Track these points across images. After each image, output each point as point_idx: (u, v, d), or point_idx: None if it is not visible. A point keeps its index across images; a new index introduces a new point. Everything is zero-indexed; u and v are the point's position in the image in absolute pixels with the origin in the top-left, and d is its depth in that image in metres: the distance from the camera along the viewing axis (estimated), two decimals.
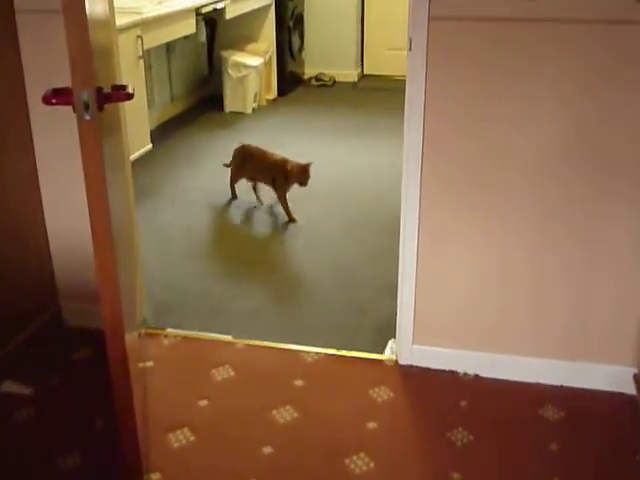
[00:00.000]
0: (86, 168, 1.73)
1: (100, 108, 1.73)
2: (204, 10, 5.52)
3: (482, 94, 2.49)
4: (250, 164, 4.40)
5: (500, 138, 2.53)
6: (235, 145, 4.51)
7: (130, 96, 1.81)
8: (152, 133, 5.34)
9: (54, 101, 1.76)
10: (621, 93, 2.38)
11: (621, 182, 2.49)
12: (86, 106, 1.68)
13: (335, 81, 7.29)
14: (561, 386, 2.75)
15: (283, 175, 4.20)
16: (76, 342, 3.00)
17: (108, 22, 2.66)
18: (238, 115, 6.26)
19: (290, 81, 6.97)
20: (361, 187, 4.71)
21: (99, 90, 1.71)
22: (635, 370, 2.68)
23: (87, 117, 1.69)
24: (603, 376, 2.71)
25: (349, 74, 7.36)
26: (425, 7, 2.44)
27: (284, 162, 4.25)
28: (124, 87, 1.87)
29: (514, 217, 2.62)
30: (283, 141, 5.62)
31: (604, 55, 2.36)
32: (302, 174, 4.18)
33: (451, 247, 2.71)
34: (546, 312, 2.71)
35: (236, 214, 4.34)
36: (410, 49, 2.51)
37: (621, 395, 2.69)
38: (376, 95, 6.82)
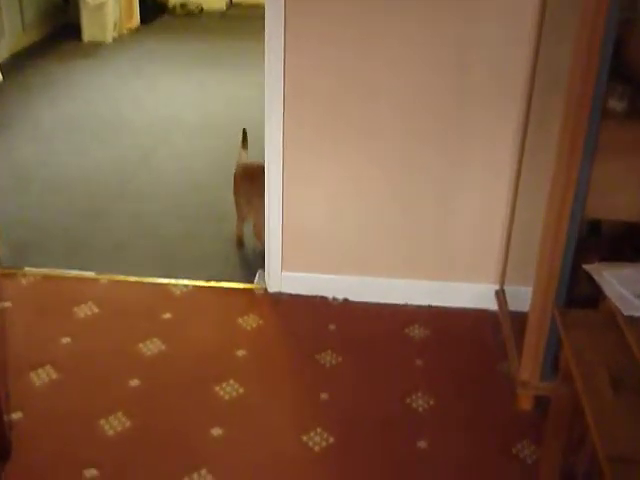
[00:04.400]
0: None
1: None
2: None
3: (339, 30, 2.55)
4: None
5: (359, 73, 2.61)
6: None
7: None
8: (2, 65, 5.12)
9: None
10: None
11: (478, 114, 2.63)
12: None
13: (203, 9, 7.16)
14: (428, 306, 2.92)
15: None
16: None
17: None
18: (97, 45, 6.07)
19: (153, 9, 6.80)
20: (231, 118, 4.70)
21: None
22: (497, 287, 2.88)
23: None
24: (467, 294, 2.90)
25: (217, 2, 7.24)
26: None
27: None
28: None
29: (375, 148, 2.73)
30: (148, 72, 5.53)
31: None
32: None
33: (317, 174, 2.79)
34: (413, 235, 2.85)
35: (98, 150, 4.25)
36: None
37: (484, 311, 2.89)
38: (246, 24, 6.73)
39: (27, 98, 4.92)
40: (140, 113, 4.74)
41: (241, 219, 3.28)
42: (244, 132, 3.36)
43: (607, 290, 1.81)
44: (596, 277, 1.87)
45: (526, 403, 2.40)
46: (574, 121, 2.04)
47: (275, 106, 2.67)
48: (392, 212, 2.83)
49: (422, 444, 2.27)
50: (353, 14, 2.53)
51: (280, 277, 2.94)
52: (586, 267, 1.92)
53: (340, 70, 2.61)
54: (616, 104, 2.13)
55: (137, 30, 6.49)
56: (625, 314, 1.73)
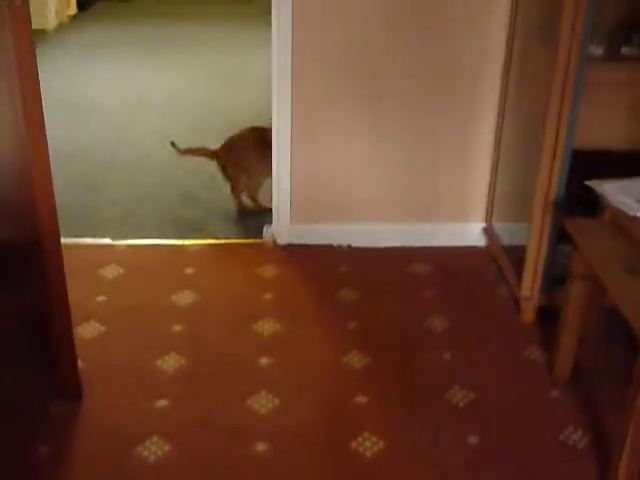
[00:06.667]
0: (20, 56, 1.92)
1: None
2: None
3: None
4: None
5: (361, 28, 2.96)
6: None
7: None
8: None
9: None
10: None
11: (460, 61, 3.03)
12: None
13: None
14: (424, 247, 3.29)
15: None
16: None
17: None
18: (41, 32, 6.15)
19: None
20: (192, 96, 4.97)
21: None
22: (484, 224, 3.28)
23: (18, 2, 1.88)
24: (457, 233, 3.30)
25: None
26: None
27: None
28: None
29: (373, 108, 3.08)
30: (101, 56, 5.70)
31: None
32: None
33: (323, 132, 3.12)
34: (404, 182, 3.22)
35: (73, 131, 4.43)
36: None
37: (474, 248, 3.29)
38: (183, 7, 6.97)
39: None
40: (104, 95, 4.94)
41: (238, 189, 3.57)
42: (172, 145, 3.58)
43: (610, 198, 2.22)
44: (598, 189, 2.28)
45: (529, 316, 2.80)
46: (564, 66, 2.44)
47: (283, 70, 2.98)
48: (384, 165, 3.19)
49: (446, 356, 2.64)
50: None
51: (289, 229, 3.26)
52: (588, 183, 2.32)
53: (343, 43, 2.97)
54: (595, 50, 2.55)
55: (76, 17, 6.61)
56: (630, 214, 2.14)
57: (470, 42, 2.99)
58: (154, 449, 2.24)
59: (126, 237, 3.32)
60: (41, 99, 2.00)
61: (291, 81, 3.00)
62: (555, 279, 2.73)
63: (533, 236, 2.69)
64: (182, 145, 3.59)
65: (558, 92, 2.48)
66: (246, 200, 3.58)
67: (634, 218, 2.14)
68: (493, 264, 3.14)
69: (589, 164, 2.73)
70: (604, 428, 2.33)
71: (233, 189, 3.58)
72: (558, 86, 2.47)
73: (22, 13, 1.89)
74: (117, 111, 4.69)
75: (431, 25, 2.95)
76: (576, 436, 2.31)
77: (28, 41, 1.92)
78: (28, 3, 1.91)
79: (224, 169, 3.59)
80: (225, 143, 3.57)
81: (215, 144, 3.62)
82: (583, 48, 2.41)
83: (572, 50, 2.42)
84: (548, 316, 2.77)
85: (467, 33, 2.97)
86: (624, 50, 2.60)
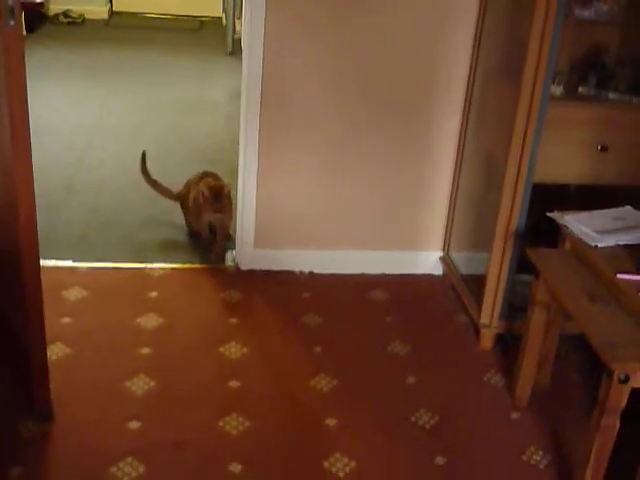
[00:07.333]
0: (11, 74, 1.95)
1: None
2: None
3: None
4: None
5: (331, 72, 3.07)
6: None
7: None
8: None
9: None
10: None
11: (422, 96, 3.15)
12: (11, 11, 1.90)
13: (85, 18, 7.30)
14: (383, 274, 3.38)
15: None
16: None
17: None
18: None
19: (36, 18, 6.87)
20: (146, 122, 4.99)
21: None
22: (441, 253, 3.39)
23: (12, 22, 1.91)
24: (415, 262, 3.40)
25: (99, 11, 7.40)
26: None
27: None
28: None
29: (341, 138, 3.18)
30: (53, 78, 5.67)
31: None
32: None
33: (288, 163, 3.20)
34: (363, 211, 3.31)
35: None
36: None
37: (432, 276, 3.40)
38: (132, 32, 6.98)
39: None
40: (57, 118, 4.90)
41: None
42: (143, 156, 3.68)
43: (572, 228, 2.35)
44: (559, 220, 2.41)
45: (487, 342, 2.91)
46: (527, 104, 2.58)
47: (252, 112, 3.08)
48: (346, 193, 3.27)
49: (410, 380, 2.73)
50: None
51: (252, 254, 3.30)
52: (550, 214, 2.46)
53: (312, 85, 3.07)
54: (555, 89, 2.70)
55: (25, 38, 6.54)
56: (591, 244, 2.28)
57: (431, 74, 3.11)
58: (128, 470, 2.25)
59: (86, 259, 3.31)
60: (28, 117, 2.03)
61: (259, 113, 3.07)
62: (512, 307, 2.86)
63: (493, 265, 2.80)
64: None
65: (521, 129, 2.61)
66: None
67: (594, 247, 2.27)
68: (450, 292, 3.25)
69: (544, 196, 2.89)
70: (564, 448, 2.44)
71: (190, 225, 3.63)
72: (521, 123, 2.61)
73: (15, 34, 1.91)
74: (72, 135, 4.66)
75: (394, 61, 3.07)
76: (537, 456, 2.41)
77: (20, 61, 1.96)
78: (22, 24, 1.93)
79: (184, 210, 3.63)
80: (183, 187, 3.62)
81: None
82: (546, 87, 2.56)
83: (535, 89, 2.55)
84: (504, 342, 2.90)
85: (429, 66, 3.10)
86: (581, 90, 2.77)
